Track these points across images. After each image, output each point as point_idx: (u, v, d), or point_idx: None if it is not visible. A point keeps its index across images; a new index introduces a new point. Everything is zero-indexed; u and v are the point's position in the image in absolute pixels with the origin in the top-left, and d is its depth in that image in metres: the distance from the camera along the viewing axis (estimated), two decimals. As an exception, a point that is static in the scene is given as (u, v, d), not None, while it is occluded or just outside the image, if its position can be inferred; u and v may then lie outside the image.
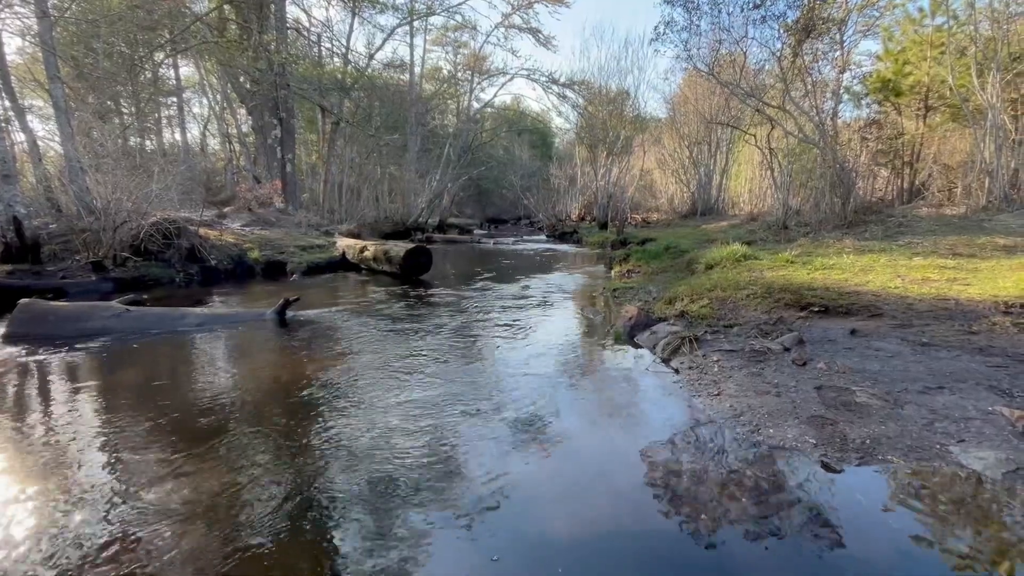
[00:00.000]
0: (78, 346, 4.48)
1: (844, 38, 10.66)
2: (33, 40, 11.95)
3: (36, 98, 16.02)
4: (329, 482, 2.34)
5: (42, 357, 4.19)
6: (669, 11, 10.85)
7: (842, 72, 11.58)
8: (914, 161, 13.45)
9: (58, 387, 3.63)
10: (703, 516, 2.05)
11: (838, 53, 10.98)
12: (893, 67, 13.35)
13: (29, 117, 12.51)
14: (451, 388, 3.56)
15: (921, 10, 12.94)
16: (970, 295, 4.72)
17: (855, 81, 14.35)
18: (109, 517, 2.06)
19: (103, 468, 2.47)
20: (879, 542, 1.90)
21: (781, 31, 10.19)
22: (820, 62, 11.14)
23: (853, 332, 4.13)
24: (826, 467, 2.37)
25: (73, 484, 2.31)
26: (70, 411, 3.17)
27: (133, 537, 1.93)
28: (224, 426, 2.92)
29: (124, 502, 2.16)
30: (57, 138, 10.97)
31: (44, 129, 15.67)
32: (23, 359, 4.13)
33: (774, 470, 2.39)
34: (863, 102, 15.04)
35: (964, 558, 1.80)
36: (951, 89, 10.97)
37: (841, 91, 12.71)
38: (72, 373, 3.89)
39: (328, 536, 1.97)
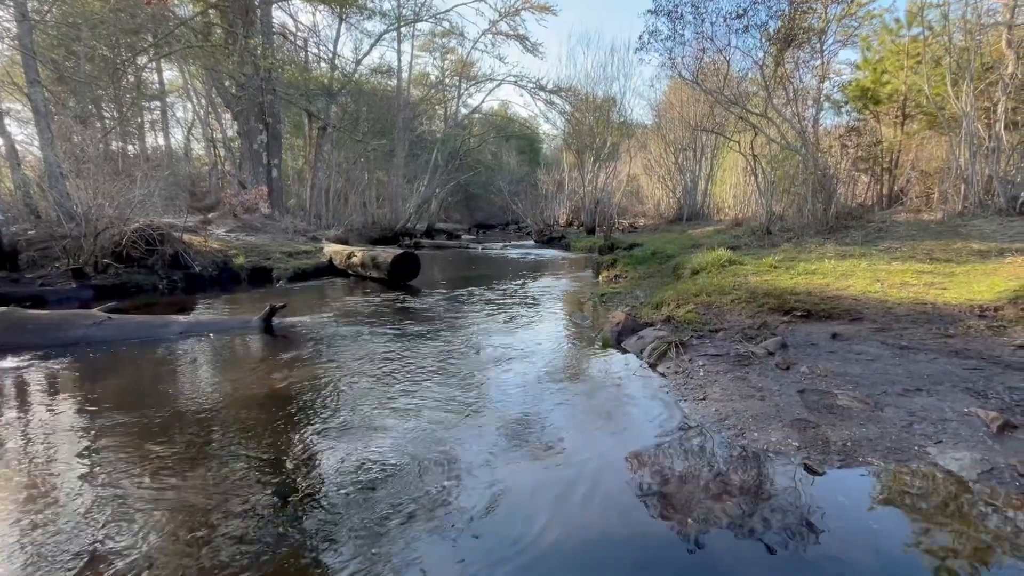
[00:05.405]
0: (57, 356, 4.39)
1: (824, 47, 10.91)
2: (12, 43, 11.74)
3: (15, 102, 15.66)
4: (316, 493, 2.32)
5: (19, 367, 4.09)
6: (654, 21, 10.99)
7: (822, 81, 11.85)
8: (893, 167, 13.80)
9: (35, 399, 3.55)
10: (689, 519, 2.08)
11: (818, 62, 11.24)
12: (871, 76, 13.71)
13: (7, 121, 12.20)
14: (438, 394, 3.55)
15: (898, 21, 13.36)
16: (947, 299, 4.85)
17: (835, 89, 14.75)
18: (82, 533, 2.02)
19: (79, 483, 2.43)
20: (860, 542, 1.94)
21: (763, 40, 10.40)
22: (801, 71, 11.40)
23: (835, 336, 4.21)
24: (809, 469, 2.42)
25: (48, 501, 2.27)
26: (47, 424, 3.10)
27: (104, 560, 1.90)
28: (207, 439, 2.89)
29: (99, 519, 2.13)
30: (36, 143, 10.77)
31: (23, 133, 15.37)
32: None
33: (758, 473, 2.42)
34: (843, 110, 15.46)
35: (942, 556, 1.84)
36: (927, 97, 11.28)
37: (822, 99, 13.02)
38: (51, 384, 3.80)
39: (316, 549, 1.96)
